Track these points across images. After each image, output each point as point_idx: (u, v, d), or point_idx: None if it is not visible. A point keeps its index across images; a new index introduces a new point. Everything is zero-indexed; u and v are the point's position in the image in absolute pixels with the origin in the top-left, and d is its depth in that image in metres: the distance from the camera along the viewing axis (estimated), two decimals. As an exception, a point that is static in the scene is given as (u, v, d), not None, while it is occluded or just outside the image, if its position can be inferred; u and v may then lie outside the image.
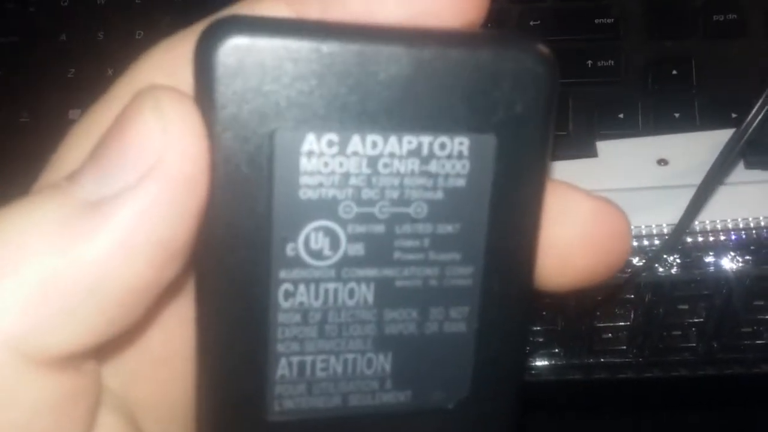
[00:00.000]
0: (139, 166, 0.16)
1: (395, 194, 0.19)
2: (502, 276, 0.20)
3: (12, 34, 0.56)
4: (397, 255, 0.19)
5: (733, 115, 0.43)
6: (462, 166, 0.19)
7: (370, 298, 0.20)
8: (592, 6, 0.49)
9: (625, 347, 0.43)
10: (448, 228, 0.19)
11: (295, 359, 0.20)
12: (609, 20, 0.48)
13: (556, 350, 0.43)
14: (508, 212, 0.20)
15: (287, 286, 0.19)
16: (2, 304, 0.16)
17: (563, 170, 0.39)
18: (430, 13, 0.19)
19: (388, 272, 0.20)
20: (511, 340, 0.21)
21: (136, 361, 0.20)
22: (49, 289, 0.16)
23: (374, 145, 0.19)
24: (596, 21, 0.48)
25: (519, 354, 0.22)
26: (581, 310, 0.40)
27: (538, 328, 0.42)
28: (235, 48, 0.17)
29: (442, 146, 0.19)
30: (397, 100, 0.18)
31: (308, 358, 0.20)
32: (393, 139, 0.19)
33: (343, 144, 0.18)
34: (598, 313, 0.41)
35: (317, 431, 0.20)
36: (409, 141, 0.19)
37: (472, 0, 0.19)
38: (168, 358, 0.21)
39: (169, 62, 0.19)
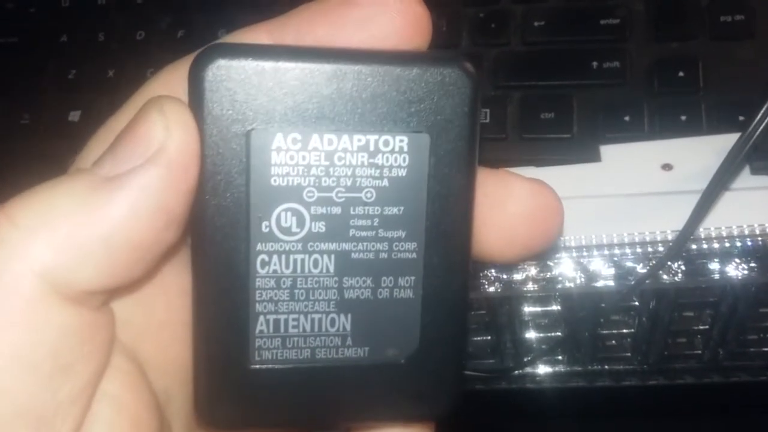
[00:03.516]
0: (145, 152, 0.21)
1: (349, 182, 0.23)
2: (441, 250, 0.24)
3: (12, 35, 0.56)
4: (352, 232, 0.24)
5: (741, 118, 0.43)
6: (403, 159, 0.23)
7: (332, 268, 0.24)
8: (597, 7, 0.49)
9: (629, 354, 0.42)
10: (393, 210, 0.24)
11: (271, 317, 0.24)
12: (614, 21, 0.48)
13: (560, 357, 0.43)
14: (442, 196, 0.24)
15: (263, 256, 0.23)
16: (39, 247, 0.20)
17: (565, 174, 0.38)
18: (382, 39, 0.24)
19: (346, 246, 0.24)
20: (451, 305, 0.25)
21: (143, 321, 0.24)
22: (74, 238, 0.21)
23: (330, 142, 0.23)
24: (602, 22, 0.48)
25: (460, 316, 0.25)
26: (585, 317, 0.39)
27: (541, 335, 0.42)
28: (219, 67, 0.22)
29: (386, 143, 0.23)
30: (348, 106, 0.23)
31: (282, 317, 0.24)
32: (345, 137, 0.23)
33: (305, 141, 0.23)
34: (601, 320, 0.41)
35: (291, 380, 0.24)
36: (359, 139, 0.23)
37: (415, 28, 0.24)
38: (169, 322, 0.25)
39: (172, 82, 0.24)
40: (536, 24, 0.49)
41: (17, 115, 0.53)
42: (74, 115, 0.52)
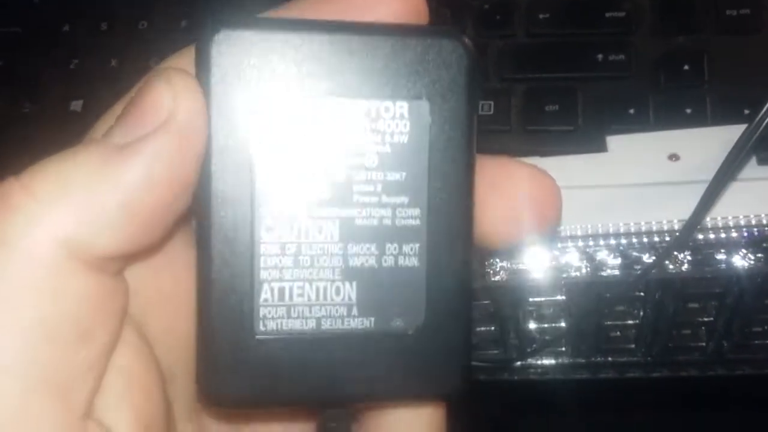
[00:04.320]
0: (155, 120, 0.22)
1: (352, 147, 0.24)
2: (444, 217, 0.24)
3: (15, 24, 0.56)
4: (356, 197, 0.24)
5: (746, 111, 0.43)
6: (404, 125, 0.24)
7: (336, 235, 0.24)
8: (603, -1, 0.48)
9: (633, 346, 0.42)
10: (396, 176, 0.24)
11: (276, 285, 0.24)
12: (620, 14, 0.48)
13: (563, 349, 0.42)
14: (443, 162, 0.24)
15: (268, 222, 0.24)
16: (58, 214, 0.21)
17: (571, 164, 0.38)
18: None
19: (350, 212, 0.24)
20: (457, 274, 0.25)
21: (150, 294, 0.25)
22: (91, 205, 0.21)
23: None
24: (607, 15, 0.48)
25: (465, 287, 0.25)
26: (589, 308, 0.39)
27: (545, 325, 0.42)
28: (226, 37, 0.23)
29: (387, 109, 0.24)
30: (350, 74, 0.23)
31: (287, 285, 0.24)
32: (348, 103, 0.23)
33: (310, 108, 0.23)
34: (606, 311, 0.40)
35: (296, 350, 0.24)
36: (361, 105, 0.24)
37: (412, 13, 0.25)
38: (175, 297, 0.25)
39: (179, 66, 0.24)
40: (541, 16, 0.49)
41: (19, 104, 0.53)
42: (76, 105, 0.52)
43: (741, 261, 0.35)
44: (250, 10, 0.26)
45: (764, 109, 0.33)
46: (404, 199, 0.24)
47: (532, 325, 0.42)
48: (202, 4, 0.54)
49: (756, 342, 0.41)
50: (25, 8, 0.57)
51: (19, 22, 0.56)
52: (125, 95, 0.25)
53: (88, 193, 0.21)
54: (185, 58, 0.24)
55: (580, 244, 0.36)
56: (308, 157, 0.23)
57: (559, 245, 0.37)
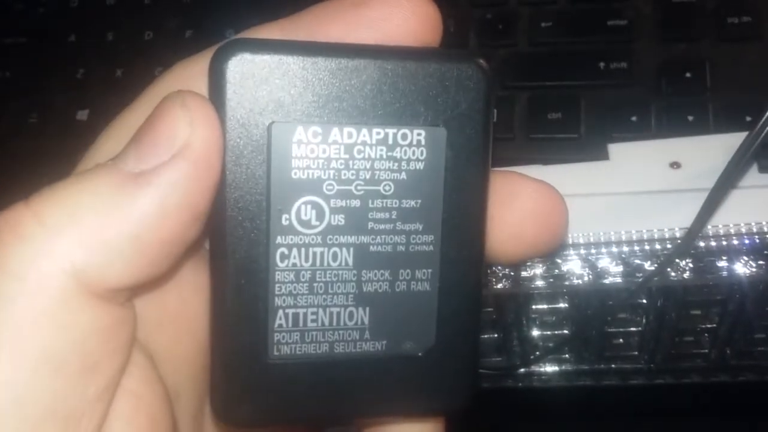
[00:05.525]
0: (171, 148, 0.21)
1: (368, 175, 0.24)
2: (457, 243, 0.25)
3: (21, 35, 0.56)
4: (371, 225, 0.24)
5: (748, 119, 0.43)
6: (420, 153, 0.24)
7: (350, 261, 0.24)
8: (604, 8, 0.49)
9: (636, 353, 0.42)
10: (411, 203, 0.24)
11: (290, 311, 0.24)
12: (622, 22, 0.48)
13: (566, 356, 0.43)
14: (458, 190, 0.24)
15: (283, 249, 0.24)
16: (67, 245, 0.20)
17: (573, 172, 0.38)
18: (394, 38, 0.24)
19: (364, 239, 0.24)
20: (467, 298, 0.25)
21: (156, 316, 0.24)
22: (103, 236, 0.20)
23: (350, 135, 0.23)
24: (609, 23, 0.48)
25: (475, 310, 0.26)
26: (592, 315, 0.39)
27: (548, 333, 0.42)
28: (241, 61, 0.22)
29: (404, 136, 0.24)
30: (367, 100, 0.23)
31: (301, 311, 0.24)
32: (365, 131, 0.23)
33: (325, 135, 0.23)
34: (609, 318, 0.41)
35: (309, 374, 0.24)
36: (378, 132, 0.24)
37: (427, 27, 0.24)
38: (181, 317, 0.25)
39: (185, 78, 0.24)
40: (543, 25, 0.49)
41: (25, 114, 0.53)
42: (82, 115, 0.53)
43: (742, 268, 0.36)
44: (255, 22, 0.25)
45: (765, 117, 0.33)
46: (419, 226, 0.24)
47: (535, 333, 0.42)
48: (206, 14, 0.54)
49: (759, 349, 0.41)
50: (31, 19, 0.57)
51: (25, 32, 0.56)
52: (127, 107, 0.25)
53: (99, 223, 0.20)
54: (194, 67, 0.24)
55: (582, 251, 0.36)
56: (324, 184, 0.23)
57: (562, 253, 0.37)
